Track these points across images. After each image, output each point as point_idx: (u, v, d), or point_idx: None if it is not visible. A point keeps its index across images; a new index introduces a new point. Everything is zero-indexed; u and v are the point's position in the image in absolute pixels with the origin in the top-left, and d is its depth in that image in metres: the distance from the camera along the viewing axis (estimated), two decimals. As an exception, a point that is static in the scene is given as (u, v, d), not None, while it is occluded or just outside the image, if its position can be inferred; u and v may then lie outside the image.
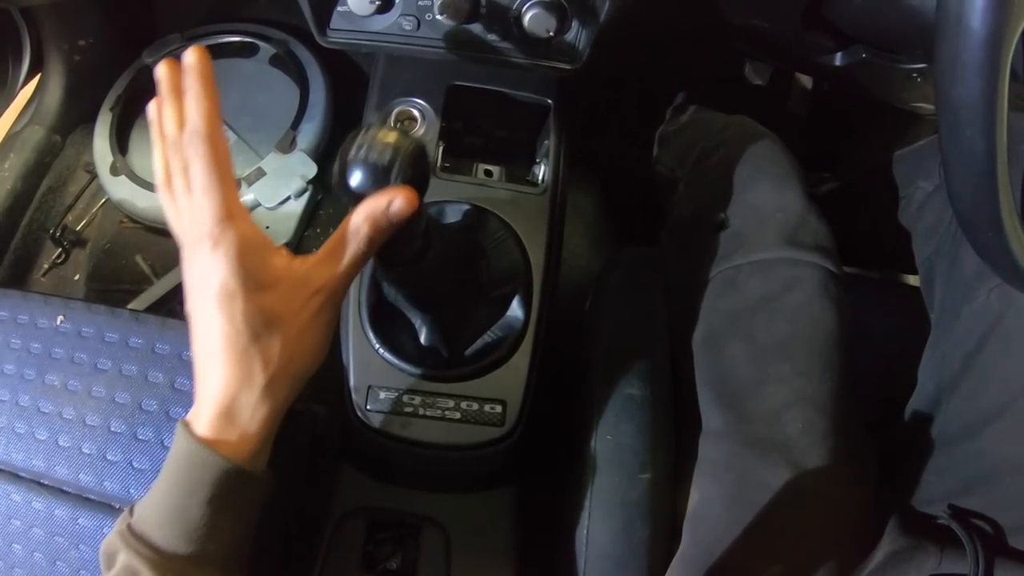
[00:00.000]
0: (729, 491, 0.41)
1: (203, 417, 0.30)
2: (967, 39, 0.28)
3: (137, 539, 0.30)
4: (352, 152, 0.31)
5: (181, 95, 0.33)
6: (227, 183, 0.31)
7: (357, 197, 0.32)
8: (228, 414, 0.30)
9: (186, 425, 0.31)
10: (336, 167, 0.32)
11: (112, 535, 0.31)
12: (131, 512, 0.32)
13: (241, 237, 0.30)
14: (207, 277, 0.30)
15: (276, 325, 0.30)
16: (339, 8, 0.46)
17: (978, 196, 0.32)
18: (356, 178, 0.31)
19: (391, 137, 0.31)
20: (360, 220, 0.31)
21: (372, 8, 0.45)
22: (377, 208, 0.31)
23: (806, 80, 0.81)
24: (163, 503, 0.30)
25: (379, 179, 0.31)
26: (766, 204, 0.48)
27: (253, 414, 0.30)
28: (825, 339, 0.43)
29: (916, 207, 0.55)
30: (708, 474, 0.42)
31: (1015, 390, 0.39)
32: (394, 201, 0.31)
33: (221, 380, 0.30)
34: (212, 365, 0.30)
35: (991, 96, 0.29)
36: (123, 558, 0.30)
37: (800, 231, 0.47)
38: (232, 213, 0.30)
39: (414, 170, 0.32)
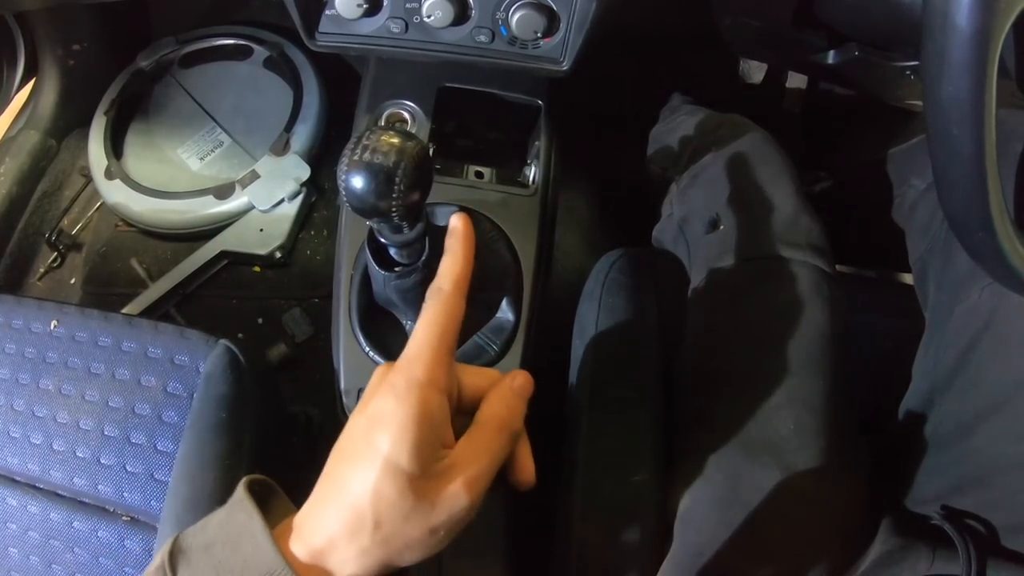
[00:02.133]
0: (720, 492, 0.41)
1: (302, 540, 0.27)
2: (954, 37, 0.28)
3: None
4: (356, 155, 0.31)
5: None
6: (442, 345, 0.29)
7: (362, 202, 0.31)
8: (317, 557, 0.27)
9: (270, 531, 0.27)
10: (339, 170, 0.31)
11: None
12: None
13: (426, 407, 0.28)
14: (376, 426, 0.27)
15: (408, 502, 0.27)
16: (327, 12, 0.46)
17: (967, 196, 0.32)
18: (359, 182, 0.30)
19: (395, 139, 0.31)
20: (496, 406, 0.30)
21: (360, 11, 0.45)
22: (505, 389, 0.30)
23: (800, 79, 0.81)
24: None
25: (383, 182, 0.30)
26: (759, 203, 0.48)
27: (342, 569, 0.27)
28: (817, 339, 0.43)
29: (909, 205, 0.55)
30: (699, 475, 0.42)
31: (1008, 389, 0.39)
32: (515, 380, 0.31)
33: (326, 523, 0.27)
34: (331, 502, 0.27)
35: (979, 94, 0.29)
36: None
37: (793, 230, 0.47)
38: (429, 380, 0.28)
39: (419, 173, 0.31)
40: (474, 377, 0.32)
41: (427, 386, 0.28)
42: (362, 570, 0.27)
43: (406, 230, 0.34)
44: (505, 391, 0.30)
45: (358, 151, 0.31)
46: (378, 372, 0.30)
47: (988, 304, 0.41)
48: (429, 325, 0.30)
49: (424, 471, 0.27)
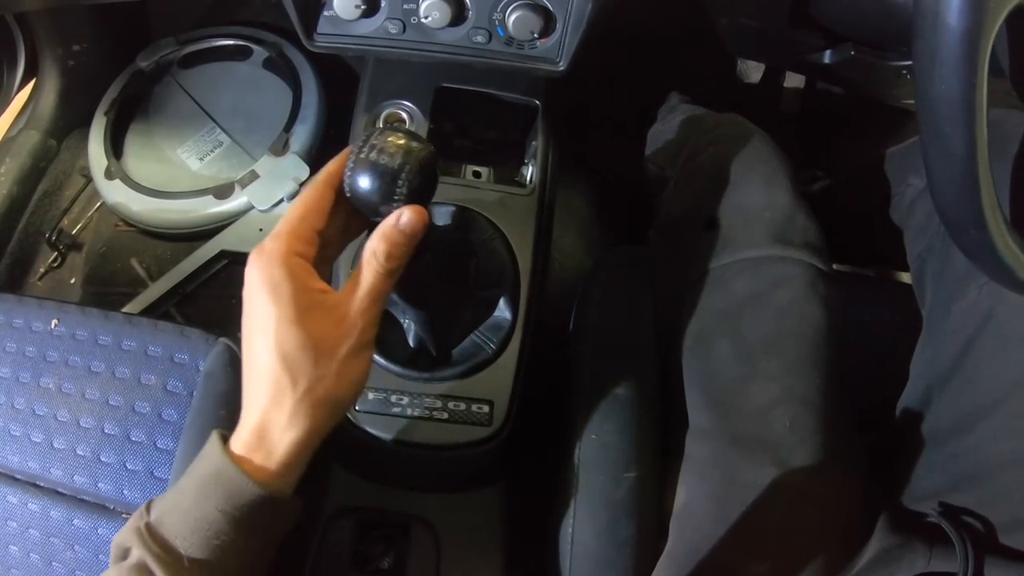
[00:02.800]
0: (716, 489, 0.41)
1: (239, 435, 0.31)
2: (944, 36, 0.28)
3: (156, 541, 0.30)
4: (363, 154, 0.31)
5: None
6: (301, 222, 0.32)
7: (366, 201, 0.32)
8: (260, 435, 0.30)
9: (222, 438, 0.31)
10: (346, 168, 0.32)
11: (127, 531, 0.31)
12: (148, 510, 0.31)
13: (289, 265, 0.31)
14: (253, 295, 0.31)
15: (309, 351, 0.30)
16: (325, 12, 0.47)
17: (960, 193, 0.32)
18: (365, 181, 0.31)
19: (402, 140, 0.32)
20: (374, 241, 0.32)
21: (358, 12, 0.45)
22: (387, 224, 0.32)
23: (798, 79, 0.81)
24: (189, 512, 0.30)
25: (387, 183, 0.31)
26: (755, 202, 0.48)
27: (281, 437, 0.30)
28: (813, 336, 0.43)
29: (907, 204, 0.55)
30: (695, 472, 0.42)
31: (1006, 386, 0.39)
32: (402, 215, 0.32)
33: (255, 401, 0.31)
34: (251, 385, 0.31)
35: (970, 92, 0.29)
36: (137, 555, 0.30)
37: (788, 229, 0.47)
38: (285, 243, 0.31)
39: (423, 176, 0.32)
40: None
41: (282, 252, 0.31)
42: (299, 432, 0.30)
43: None
44: (386, 226, 0.32)
45: (365, 150, 0.32)
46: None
47: (986, 302, 0.41)
48: (292, 208, 0.33)
49: (306, 313, 0.30)
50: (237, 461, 0.30)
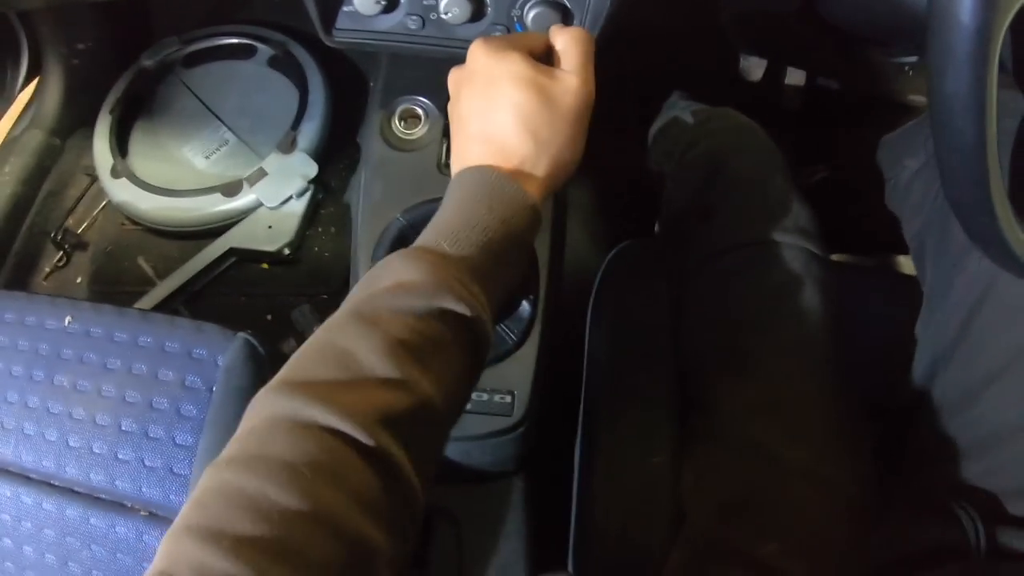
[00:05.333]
0: (723, 473, 0.42)
1: (499, 167, 0.34)
2: (958, 33, 0.30)
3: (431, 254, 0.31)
4: None
5: None
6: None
7: None
8: (520, 170, 0.34)
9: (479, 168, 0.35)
10: None
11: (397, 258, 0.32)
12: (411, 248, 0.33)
13: (525, 45, 0.37)
14: (498, 68, 0.35)
15: (546, 104, 0.35)
16: (345, 8, 0.47)
17: (969, 183, 0.33)
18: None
19: None
20: (567, 32, 0.38)
21: (378, 8, 0.45)
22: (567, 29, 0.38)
23: (799, 76, 0.83)
24: (459, 213, 0.33)
25: None
26: (747, 191, 0.49)
27: (535, 168, 0.35)
28: (810, 319, 0.45)
29: (903, 186, 0.56)
30: (704, 456, 0.43)
31: (1010, 355, 0.40)
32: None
33: (512, 143, 0.35)
34: (504, 133, 0.35)
35: (981, 86, 0.31)
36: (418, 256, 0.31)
37: (781, 215, 0.48)
38: (511, 42, 0.36)
39: None
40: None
41: (515, 41, 0.36)
42: (544, 171, 0.35)
43: None
44: (561, 31, 0.38)
45: None
46: (462, 66, 0.38)
47: (986, 273, 0.42)
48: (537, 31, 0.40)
49: (544, 80, 0.35)
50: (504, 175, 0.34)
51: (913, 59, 0.50)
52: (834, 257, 0.54)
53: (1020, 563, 0.38)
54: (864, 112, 0.77)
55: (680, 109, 0.65)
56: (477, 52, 0.36)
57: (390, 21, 0.47)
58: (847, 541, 0.43)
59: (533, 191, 0.35)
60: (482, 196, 0.33)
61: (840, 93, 0.79)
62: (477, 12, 0.46)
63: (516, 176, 0.34)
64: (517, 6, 0.45)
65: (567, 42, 0.37)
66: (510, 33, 0.38)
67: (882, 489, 0.44)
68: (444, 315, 0.29)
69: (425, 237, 0.33)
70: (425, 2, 0.46)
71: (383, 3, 0.45)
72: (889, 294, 0.58)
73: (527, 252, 0.37)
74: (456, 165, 0.36)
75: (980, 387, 0.41)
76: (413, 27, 0.47)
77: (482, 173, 0.34)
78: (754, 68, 0.85)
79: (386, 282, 0.30)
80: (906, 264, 0.56)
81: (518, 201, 0.33)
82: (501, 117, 0.35)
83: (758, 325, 0.45)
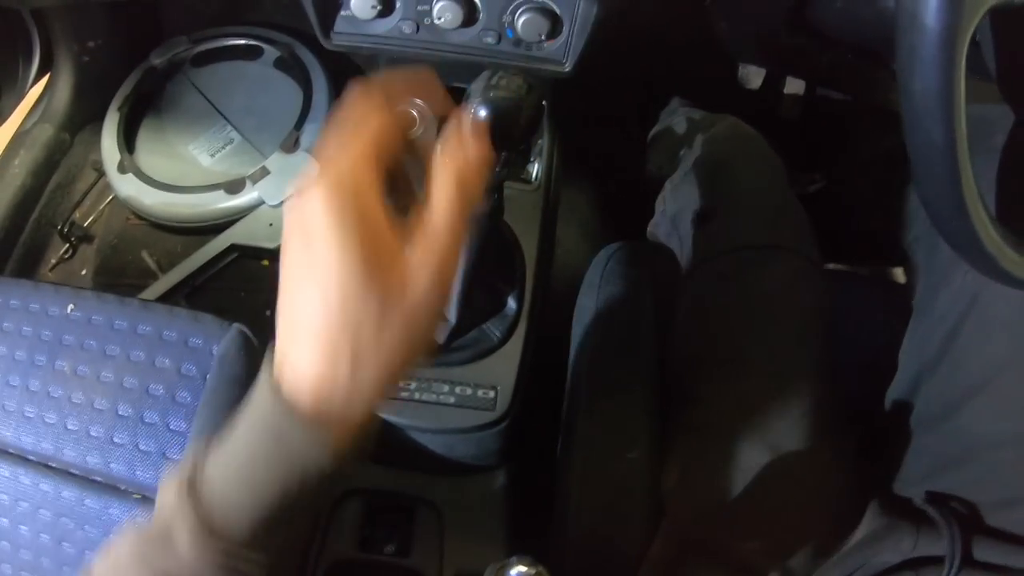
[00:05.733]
0: (709, 470, 0.43)
1: (300, 393, 0.25)
2: (922, 35, 0.30)
3: (200, 516, 0.25)
4: (483, 91, 0.34)
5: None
6: (356, 134, 0.25)
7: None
8: (325, 398, 0.24)
9: (281, 393, 0.25)
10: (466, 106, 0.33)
11: (166, 497, 0.26)
12: (188, 491, 0.25)
13: (359, 195, 0.24)
14: (312, 236, 0.24)
15: (378, 304, 0.24)
16: (342, 12, 0.49)
17: (941, 184, 0.34)
18: (483, 115, 0.33)
19: (517, 81, 0.35)
20: (446, 174, 0.26)
21: (374, 12, 0.47)
22: (454, 152, 0.27)
23: (798, 84, 0.83)
24: (243, 489, 0.25)
25: (511, 113, 0.33)
26: (747, 197, 0.50)
27: (346, 421, 0.25)
28: (802, 323, 0.45)
29: (895, 197, 0.57)
30: (689, 454, 0.44)
31: (991, 369, 0.40)
32: (469, 140, 0.27)
33: (310, 362, 0.24)
34: (300, 341, 0.25)
35: (948, 87, 0.31)
36: (181, 525, 0.25)
37: (778, 221, 0.49)
38: (353, 167, 0.24)
39: (538, 111, 0.35)
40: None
41: (363, 182, 0.24)
42: (362, 408, 0.25)
43: (502, 159, 0.37)
44: (454, 152, 0.26)
45: (485, 88, 0.34)
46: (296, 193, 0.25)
47: (971, 288, 0.42)
48: (342, 112, 0.26)
49: (378, 258, 0.24)
50: (311, 427, 0.24)
51: (902, 66, 0.51)
52: (829, 265, 0.54)
53: (994, 574, 0.38)
54: (862, 121, 0.78)
55: (682, 115, 0.66)
56: (315, 164, 0.24)
57: (386, 25, 0.49)
58: (827, 544, 0.43)
59: (334, 431, 0.24)
60: (268, 451, 0.25)
61: (839, 102, 0.80)
62: (469, 18, 0.47)
63: (317, 408, 0.24)
64: (508, 12, 0.47)
65: (441, 191, 0.25)
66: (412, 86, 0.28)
67: (862, 496, 0.44)
68: None
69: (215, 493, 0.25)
70: (419, 7, 0.47)
71: (378, 8, 0.46)
72: (881, 303, 0.58)
73: (312, 505, 0.27)
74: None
75: (961, 400, 0.41)
76: (407, 31, 0.48)
77: (273, 411, 0.25)
78: (753, 76, 0.86)
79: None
80: (900, 274, 0.56)
81: (308, 463, 0.24)
82: (308, 297, 0.24)
83: (751, 328, 0.46)
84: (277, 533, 0.26)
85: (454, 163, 0.26)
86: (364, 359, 0.25)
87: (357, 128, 0.26)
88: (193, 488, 0.25)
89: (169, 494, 0.26)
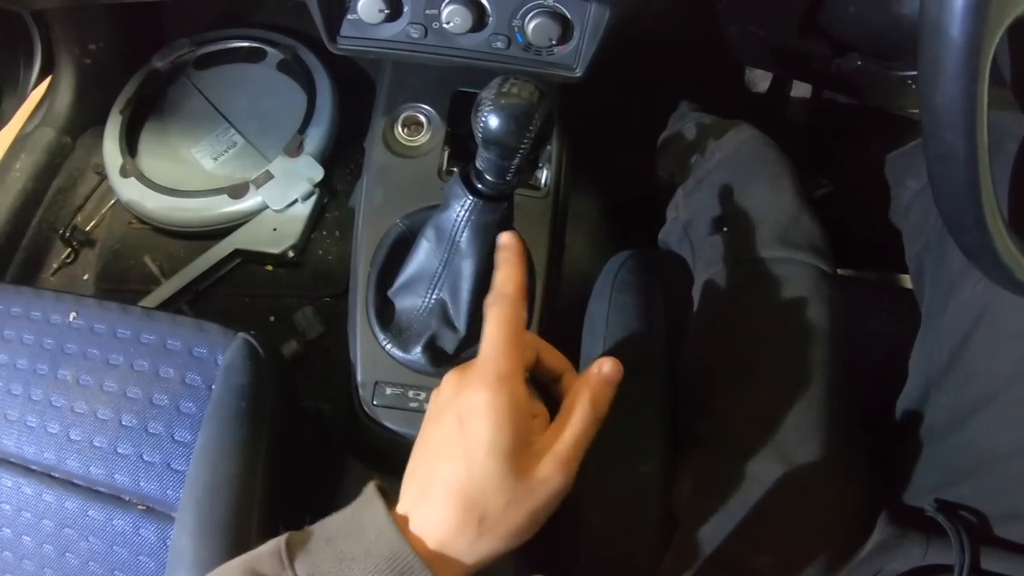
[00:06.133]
0: (722, 484, 0.42)
1: (422, 543, 0.28)
2: (946, 46, 0.30)
3: None
4: (494, 98, 0.34)
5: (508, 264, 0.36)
6: (514, 345, 0.31)
7: (493, 142, 0.34)
8: (440, 555, 0.28)
9: (408, 532, 0.29)
10: (481, 109, 0.34)
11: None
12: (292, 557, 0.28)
13: (516, 398, 0.30)
14: (470, 419, 0.29)
15: (506, 490, 0.28)
16: (349, 16, 0.48)
17: (961, 197, 0.33)
18: (495, 121, 0.33)
19: (529, 88, 0.34)
20: (580, 397, 0.32)
21: (381, 16, 0.46)
22: (592, 376, 0.33)
23: (805, 88, 0.83)
24: None
25: (521, 123, 0.33)
26: (760, 206, 0.49)
27: (461, 567, 0.29)
28: (816, 336, 0.45)
29: (905, 206, 0.56)
30: (702, 467, 0.43)
31: (1002, 380, 0.40)
32: (603, 366, 0.33)
33: (438, 519, 0.28)
34: (434, 500, 0.29)
35: (971, 100, 0.30)
36: None
37: (793, 231, 0.48)
38: (514, 372, 0.30)
39: (551, 117, 0.34)
40: (548, 355, 0.35)
41: (513, 376, 0.30)
42: (473, 562, 0.29)
43: (513, 167, 0.37)
44: (592, 379, 0.33)
45: (495, 95, 0.34)
46: (451, 375, 0.32)
47: (981, 299, 0.42)
48: (502, 324, 0.32)
49: (522, 453, 0.29)
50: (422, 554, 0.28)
51: (914, 72, 0.50)
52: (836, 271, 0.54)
53: None
54: (870, 125, 0.77)
55: (693, 120, 0.65)
56: (456, 386, 0.30)
57: (393, 30, 0.48)
58: (839, 556, 0.43)
59: None
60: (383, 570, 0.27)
61: (846, 106, 0.79)
62: (478, 22, 0.46)
63: (433, 560, 0.28)
64: (518, 16, 0.46)
65: (579, 409, 0.31)
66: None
67: (873, 507, 0.44)
68: None
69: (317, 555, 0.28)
70: (427, 11, 0.46)
71: (386, 12, 0.46)
72: (890, 311, 0.58)
73: None
74: (406, 477, 0.31)
75: (971, 411, 0.41)
76: (415, 36, 0.48)
77: (399, 543, 0.28)
78: (759, 79, 0.86)
79: None
80: (908, 280, 0.56)
81: None
82: (453, 467, 0.29)
83: (764, 339, 0.45)
84: None
85: (588, 386, 0.33)
86: (488, 530, 0.29)
87: (516, 336, 0.32)
88: None
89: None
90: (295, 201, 0.77)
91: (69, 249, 0.83)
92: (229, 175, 0.81)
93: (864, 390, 0.47)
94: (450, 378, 0.32)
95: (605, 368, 0.33)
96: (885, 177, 0.61)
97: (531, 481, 0.29)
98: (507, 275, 0.35)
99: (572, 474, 0.30)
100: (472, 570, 0.29)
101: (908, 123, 0.66)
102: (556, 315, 0.52)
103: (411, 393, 0.46)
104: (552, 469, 0.29)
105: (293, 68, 0.85)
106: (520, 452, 0.29)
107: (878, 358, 0.54)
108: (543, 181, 0.57)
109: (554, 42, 0.47)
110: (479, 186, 0.39)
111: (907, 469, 0.45)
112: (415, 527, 0.29)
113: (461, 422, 0.29)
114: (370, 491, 0.30)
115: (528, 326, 0.48)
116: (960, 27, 0.29)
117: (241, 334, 0.53)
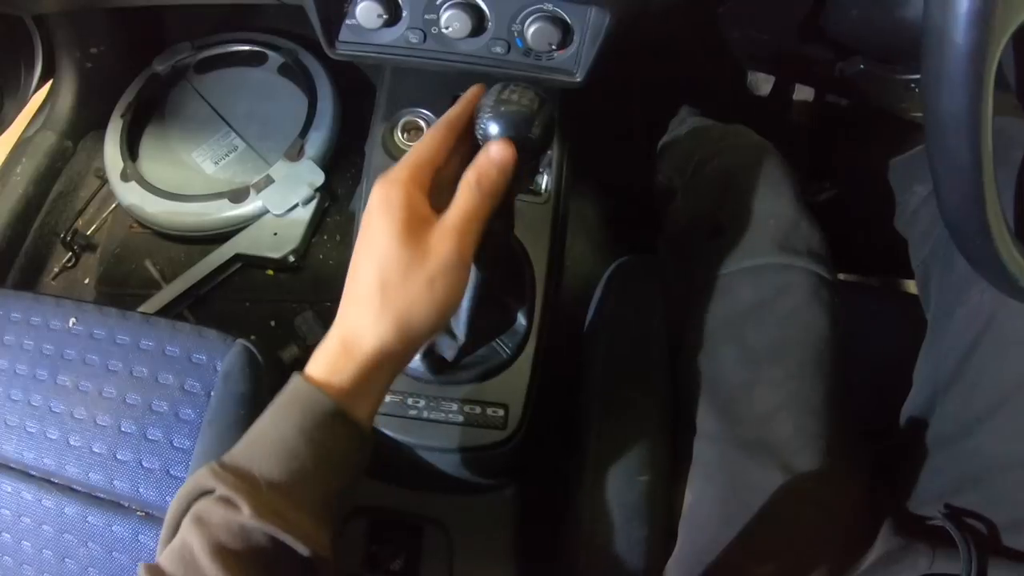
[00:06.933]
0: (722, 492, 0.42)
1: (325, 346, 0.33)
2: (951, 53, 0.29)
3: (233, 472, 0.30)
4: (493, 105, 0.34)
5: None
6: (425, 157, 0.34)
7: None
8: (343, 341, 0.32)
9: (299, 372, 0.33)
10: (477, 120, 0.35)
11: (198, 476, 0.30)
12: (216, 461, 0.31)
13: (407, 191, 0.33)
14: (366, 213, 0.33)
15: (403, 262, 0.32)
16: (347, 21, 0.48)
17: (965, 204, 0.33)
18: (495, 128, 0.34)
19: (532, 93, 0.35)
20: (468, 171, 0.34)
21: (380, 22, 0.46)
22: (479, 156, 0.34)
23: (807, 91, 0.83)
24: (266, 437, 0.31)
25: (521, 128, 0.34)
26: (759, 211, 0.49)
27: (362, 343, 0.32)
28: (816, 343, 0.44)
29: (911, 212, 0.56)
30: (702, 475, 0.43)
31: (1008, 389, 0.39)
32: (490, 147, 0.34)
33: (347, 311, 0.33)
34: (347, 298, 0.33)
35: (976, 107, 0.30)
36: (219, 491, 0.29)
37: (792, 237, 0.48)
38: (411, 177, 0.33)
39: (551, 123, 0.35)
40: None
41: (402, 179, 0.33)
42: (377, 338, 0.32)
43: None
44: (479, 159, 0.34)
45: (495, 102, 0.35)
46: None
47: (988, 306, 0.41)
48: (416, 146, 0.35)
49: (409, 232, 0.32)
50: (315, 382, 0.32)
51: (917, 76, 0.50)
52: (839, 276, 0.53)
53: None
54: (873, 128, 0.77)
55: (692, 124, 0.65)
56: (375, 186, 0.34)
57: (392, 35, 0.48)
58: (842, 565, 0.42)
59: (353, 389, 0.32)
60: (288, 411, 0.32)
61: (849, 109, 0.79)
62: (477, 27, 0.46)
63: (340, 355, 0.32)
64: (517, 21, 0.46)
65: (463, 187, 0.34)
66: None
67: (876, 516, 0.43)
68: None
69: (236, 456, 0.31)
70: (426, 16, 0.46)
71: (385, 17, 0.46)
72: (893, 317, 0.58)
73: (353, 468, 0.33)
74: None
75: (977, 419, 0.41)
76: (414, 41, 0.48)
77: (290, 385, 0.32)
78: (762, 83, 0.85)
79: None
80: (913, 286, 0.56)
81: (328, 413, 0.31)
82: (355, 275, 0.33)
83: (765, 347, 0.45)
84: (313, 489, 0.31)
85: (474, 166, 0.34)
86: (390, 300, 0.32)
87: (423, 149, 0.34)
88: (222, 464, 0.31)
89: (200, 484, 0.31)
90: (296, 205, 0.77)
91: (70, 253, 0.84)
92: (230, 179, 0.81)
93: (868, 397, 0.47)
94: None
95: (491, 149, 0.34)
96: (888, 180, 0.60)
97: (423, 247, 0.32)
98: (453, 109, 0.37)
99: (463, 245, 0.33)
100: (380, 355, 0.32)
101: (912, 126, 0.65)
102: (557, 320, 0.52)
103: (410, 400, 0.46)
104: (439, 236, 0.32)
105: (294, 72, 0.85)
106: (413, 226, 0.32)
107: (882, 365, 0.53)
108: (544, 186, 0.56)
109: (554, 47, 0.47)
110: None
111: (912, 478, 0.45)
112: (332, 328, 0.33)
113: (367, 218, 0.33)
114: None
115: (529, 328, 0.48)
116: (965, 34, 0.28)
117: (240, 341, 0.53)
